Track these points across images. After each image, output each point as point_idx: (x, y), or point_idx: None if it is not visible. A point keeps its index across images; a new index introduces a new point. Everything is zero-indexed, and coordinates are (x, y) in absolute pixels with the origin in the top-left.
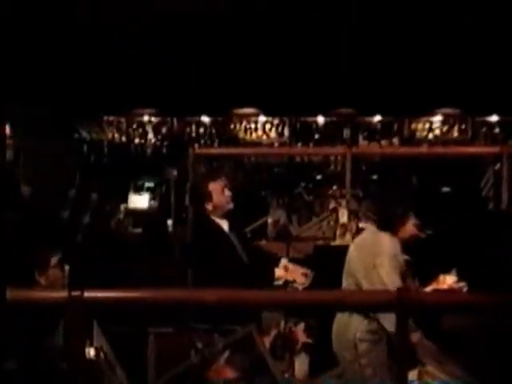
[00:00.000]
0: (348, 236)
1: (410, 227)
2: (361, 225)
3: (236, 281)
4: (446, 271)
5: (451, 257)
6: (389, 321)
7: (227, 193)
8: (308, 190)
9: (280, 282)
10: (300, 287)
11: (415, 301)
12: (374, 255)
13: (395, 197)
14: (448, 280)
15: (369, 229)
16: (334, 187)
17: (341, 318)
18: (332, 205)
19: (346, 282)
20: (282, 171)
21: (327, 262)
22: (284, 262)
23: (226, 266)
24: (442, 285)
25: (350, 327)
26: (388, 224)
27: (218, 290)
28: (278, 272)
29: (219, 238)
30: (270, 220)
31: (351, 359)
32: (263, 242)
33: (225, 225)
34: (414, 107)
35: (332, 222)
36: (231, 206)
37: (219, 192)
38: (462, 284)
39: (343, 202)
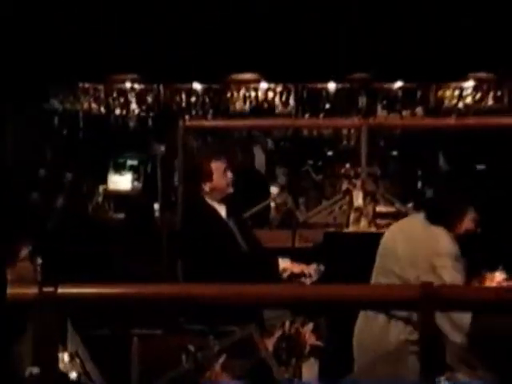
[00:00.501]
0: (363, 222)
1: (467, 222)
2: (378, 209)
3: (234, 274)
4: (491, 268)
5: (495, 251)
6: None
7: (229, 175)
8: (317, 169)
9: (285, 276)
10: (308, 281)
11: (443, 297)
12: (433, 254)
13: (454, 186)
14: (497, 277)
15: (414, 219)
16: (347, 165)
17: (368, 321)
18: (345, 186)
19: (380, 281)
20: (286, 146)
21: (339, 252)
22: (284, 263)
23: (223, 256)
24: (490, 283)
25: (388, 333)
26: (443, 217)
27: (213, 285)
28: (283, 264)
29: (215, 224)
30: (272, 204)
31: (390, 371)
32: (265, 231)
33: (222, 210)
34: (442, 71)
35: (345, 206)
36: (231, 190)
37: (221, 172)
38: None
39: (358, 183)
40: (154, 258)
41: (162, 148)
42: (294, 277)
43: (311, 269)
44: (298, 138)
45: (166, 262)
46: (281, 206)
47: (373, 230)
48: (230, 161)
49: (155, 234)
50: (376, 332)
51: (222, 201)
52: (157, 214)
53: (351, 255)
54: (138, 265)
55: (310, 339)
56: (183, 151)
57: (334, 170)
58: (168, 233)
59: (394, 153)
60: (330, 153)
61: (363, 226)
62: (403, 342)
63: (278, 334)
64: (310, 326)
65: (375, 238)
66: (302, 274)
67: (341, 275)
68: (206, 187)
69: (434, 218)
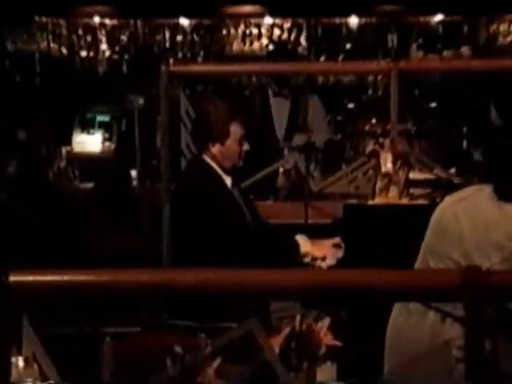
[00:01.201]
0: (393, 191)
1: None
2: (412, 175)
3: (238, 256)
4: None
5: None
6: None
7: (245, 146)
8: (335, 126)
9: (308, 260)
10: (324, 265)
11: (490, 285)
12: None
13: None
14: None
15: (480, 193)
16: (373, 121)
17: (411, 317)
18: (370, 146)
19: (429, 266)
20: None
21: (363, 230)
22: (301, 240)
23: (229, 235)
24: None
25: (441, 335)
26: None
27: (206, 269)
28: (304, 246)
29: (220, 193)
30: (280, 169)
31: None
32: (269, 203)
33: (228, 180)
34: (494, 1)
35: (370, 172)
36: (241, 163)
37: (237, 138)
38: None
39: (386, 143)
40: (131, 238)
41: (141, 100)
42: (313, 260)
43: (334, 245)
44: (312, 87)
45: (147, 243)
46: (290, 172)
47: (405, 201)
48: (248, 124)
49: (132, 207)
50: (425, 332)
51: (227, 171)
52: (134, 182)
53: (378, 233)
54: (111, 246)
55: (326, 338)
56: (167, 104)
57: (357, 127)
58: (149, 206)
59: (433, 104)
60: (351, 105)
61: (393, 196)
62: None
63: (285, 331)
64: (327, 321)
65: (407, 212)
66: (325, 258)
67: (364, 258)
68: (214, 149)
69: (506, 194)
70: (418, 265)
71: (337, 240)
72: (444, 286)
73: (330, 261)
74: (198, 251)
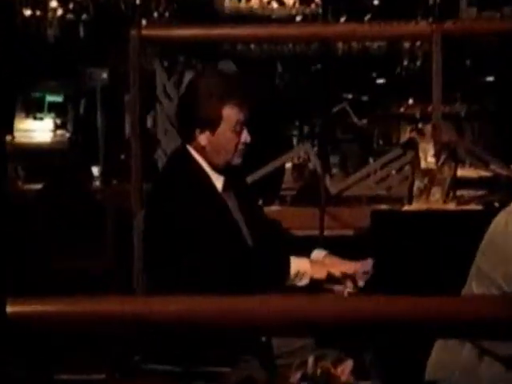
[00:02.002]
0: (437, 194)
1: None
2: (461, 172)
3: (231, 280)
4: None
5: None
6: None
7: (245, 136)
8: (360, 108)
9: (332, 286)
10: (346, 290)
11: None
12: None
13: None
14: None
15: None
16: (410, 101)
17: (451, 353)
18: (406, 135)
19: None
20: (310, 71)
21: (397, 244)
22: (318, 254)
23: (215, 253)
24: None
25: (475, 375)
26: None
27: (191, 297)
28: (314, 268)
29: (206, 198)
30: (288, 164)
31: None
32: (275, 208)
33: (219, 181)
34: None
35: (406, 168)
36: (239, 160)
37: (232, 125)
38: None
39: (427, 130)
40: (92, 255)
41: (104, 75)
42: (333, 282)
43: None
44: (328, 57)
45: (112, 261)
46: (301, 168)
47: (451, 207)
48: (249, 106)
49: (94, 215)
50: (457, 371)
51: (218, 169)
52: (97, 183)
53: (416, 249)
54: (66, 265)
55: None
56: (138, 80)
57: (389, 110)
58: (115, 213)
59: (489, 79)
60: (380, 80)
61: (436, 200)
62: None
63: (296, 377)
64: (349, 364)
65: (455, 221)
66: (346, 281)
67: (397, 282)
68: (202, 139)
69: None
70: (465, 289)
71: (365, 265)
72: (478, 317)
73: (354, 286)
74: (179, 272)
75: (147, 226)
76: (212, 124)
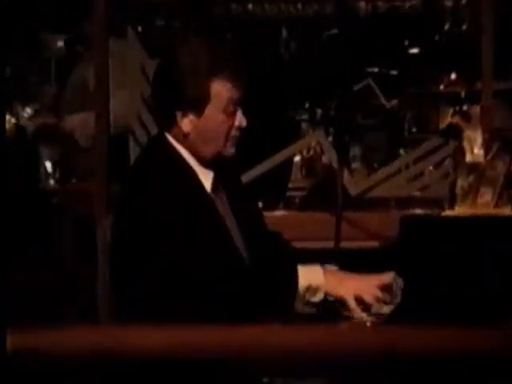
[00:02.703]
0: (487, 195)
1: None
2: None
3: (221, 304)
4: None
5: None
6: None
7: (239, 120)
8: (387, 84)
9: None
10: (369, 321)
11: None
12: None
13: None
14: None
15: None
16: (453, 76)
17: None
18: (447, 119)
19: None
20: (324, 38)
21: (434, 259)
22: (330, 269)
23: (200, 266)
24: None
25: None
26: None
27: (175, 327)
28: (330, 279)
29: (191, 200)
30: (296, 157)
31: None
32: (281, 213)
33: (207, 178)
34: None
35: (447, 162)
36: (231, 151)
37: (223, 105)
38: None
39: (475, 113)
40: (46, 270)
41: (60, 43)
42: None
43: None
44: (348, 19)
45: (71, 277)
46: (312, 162)
47: (505, 212)
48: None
49: (47, 220)
50: None
51: (205, 162)
52: (51, 182)
53: (458, 264)
54: (15, 275)
55: None
56: (105, 51)
57: (425, 88)
58: (74, 218)
59: None
60: (414, 50)
61: (485, 203)
62: None
63: None
64: None
65: (511, 230)
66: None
67: (434, 306)
68: (186, 124)
69: None
70: None
71: (389, 277)
72: None
73: (379, 309)
74: (156, 294)
75: (115, 236)
76: (197, 104)
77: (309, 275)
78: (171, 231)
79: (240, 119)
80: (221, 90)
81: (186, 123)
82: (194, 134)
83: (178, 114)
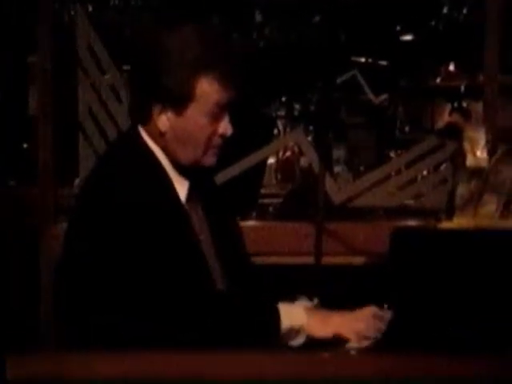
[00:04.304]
0: (491, 205)
1: None
2: None
3: (193, 331)
4: None
5: None
6: None
7: (224, 126)
8: (376, 78)
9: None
10: (354, 349)
11: None
12: None
13: None
14: None
15: None
16: (451, 67)
17: None
18: (445, 117)
19: None
20: (304, 23)
21: (430, 277)
22: (303, 307)
23: (169, 289)
24: None
25: None
26: None
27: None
28: (313, 321)
29: (162, 210)
30: (271, 159)
31: None
32: (251, 223)
33: (182, 186)
34: None
35: (445, 167)
36: (212, 161)
37: (209, 108)
38: None
39: (476, 109)
40: None
41: None
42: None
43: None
44: (331, 2)
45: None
46: (289, 165)
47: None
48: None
49: None
50: None
51: (184, 170)
52: None
53: (457, 284)
54: None
55: None
56: (49, 30)
57: (419, 81)
58: (16, 231)
59: None
60: (407, 37)
61: (489, 213)
62: None
63: None
64: None
65: None
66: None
67: (428, 328)
68: (162, 121)
69: None
70: None
71: (380, 312)
72: None
73: (365, 340)
74: (115, 318)
75: (68, 250)
76: (178, 101)
77: (290, 315)
78: (137, 246)
79: (225, 127)
80: (207, 89)
81: (164, 121)
82: (171, 135)
83: (156, 109)
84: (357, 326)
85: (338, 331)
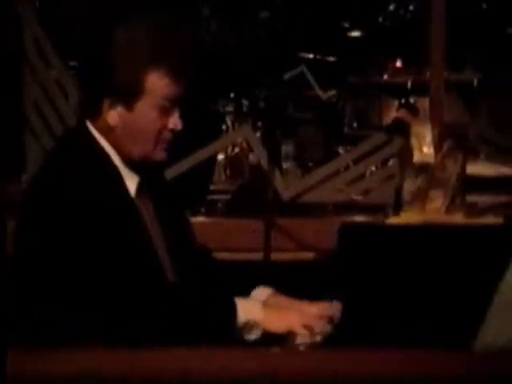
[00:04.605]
0: (437, 201)
1: None
2: (472, 169)
3: (145, 327)
4: None
5: None
6: None
7: (174, 121)
8: (324, 73)
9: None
10: (304, 342)
11: None
12: None
13: None
14: None
15: None
16: (398, 63)
17: None
18: (392, 113)
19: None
20: (252, 19)
21: (377, 274)
22: (262, 293)
23: (118, 285)
24: None
25: None
26: None
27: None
28: (269, 315)
29: (111, 204)
30: (219, 155)
31: None
32: (200, 219)
33: (132, 181)
34: None
35: (391, 163)
36: (162, 155)
37: (157, 102)
38: None
39: (423, 105)
40: None
41: None
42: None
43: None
44: None
45: None
46: (238, 161)
47: (458, 219)
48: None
49: None
50: None
51: (133, 164)
52: None
53: (405, 279)
54: None
55: None
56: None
57: (366, 77)
58: None
59: None
60: (355, 33)
61: (435, 209)
62: None
63: None
64: None
65: (465, 240)
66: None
67: (377, 324)
68: (112, 116)
69: None
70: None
71: (329, 308)
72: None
73: (314, 336)
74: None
75: (18, 245)
76: (128, 96)
77: (246, 309)
78: (86, 240)
79: (175, 121)
80: (157, 83)
81: (113, 115)
82: (121, 130)
83: (106, 103)
84: (309, 322)
85: (292, 327)
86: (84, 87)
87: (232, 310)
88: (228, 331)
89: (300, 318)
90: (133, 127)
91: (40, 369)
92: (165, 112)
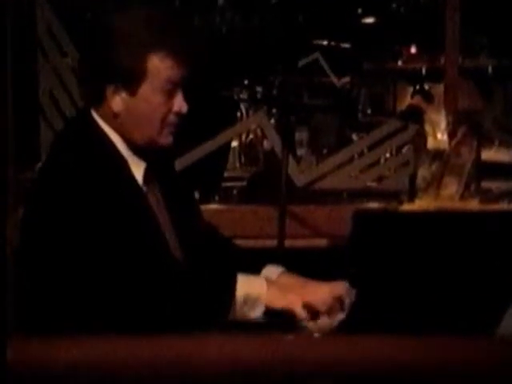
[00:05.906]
0: (452, 187)
1: None
2: (487, 155)
3: (151, 310)
4: None
5: None
6: None
7: (179, 104)
8: (338, 60)
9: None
10: (316, 327)
11: None
12: None
13: None
14: None
15: None
16: (413, 49)
17: None
18: (406, 99)
19: None
20: (266, 7)
21: (392, 260)
22: (273, 271)
23: (128, 271)
24: None
25: None
26: None
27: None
28: (272, 292)
29: (118, 193)
30: (234, 142)
31: None
32: (214, 207)
33: (139, 168)
34: None
35: (406, 149)
36: (168, 140)
37: (161, 85)
38: None
39: (438, 92)
40: None
41: None
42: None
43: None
44: None
45: None
46: (252, 148)
47: (473, 206)
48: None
49: None
50: None
51: (140, 151)
52: None
53: (419, 266)
54: None
55: None
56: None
57: (381, 63)
58: None
59: None
60: (369, 20)
61: (450, 196)
62: None
63: None
64: None
65: (480, 226)
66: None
67: (391, 312)
68: (116, 102)
69: None
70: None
71: (342, 287)
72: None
73: (330, 320)
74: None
75: (25, 235)
76: (131, 80)
77: (248, 284)
78: (94, 229)
79: (180, 104)
80: (159, 66)
81: (117, 101)
82: (125, 116)
83: (109, 90)
84: (329, 299)
85: (292, 305)
86: (86, 75)
87: (231, 283)
88: (226, 304)
89: (301, 297)
90: (137, 112)
91: (41, 355)
92: (169, 95)
